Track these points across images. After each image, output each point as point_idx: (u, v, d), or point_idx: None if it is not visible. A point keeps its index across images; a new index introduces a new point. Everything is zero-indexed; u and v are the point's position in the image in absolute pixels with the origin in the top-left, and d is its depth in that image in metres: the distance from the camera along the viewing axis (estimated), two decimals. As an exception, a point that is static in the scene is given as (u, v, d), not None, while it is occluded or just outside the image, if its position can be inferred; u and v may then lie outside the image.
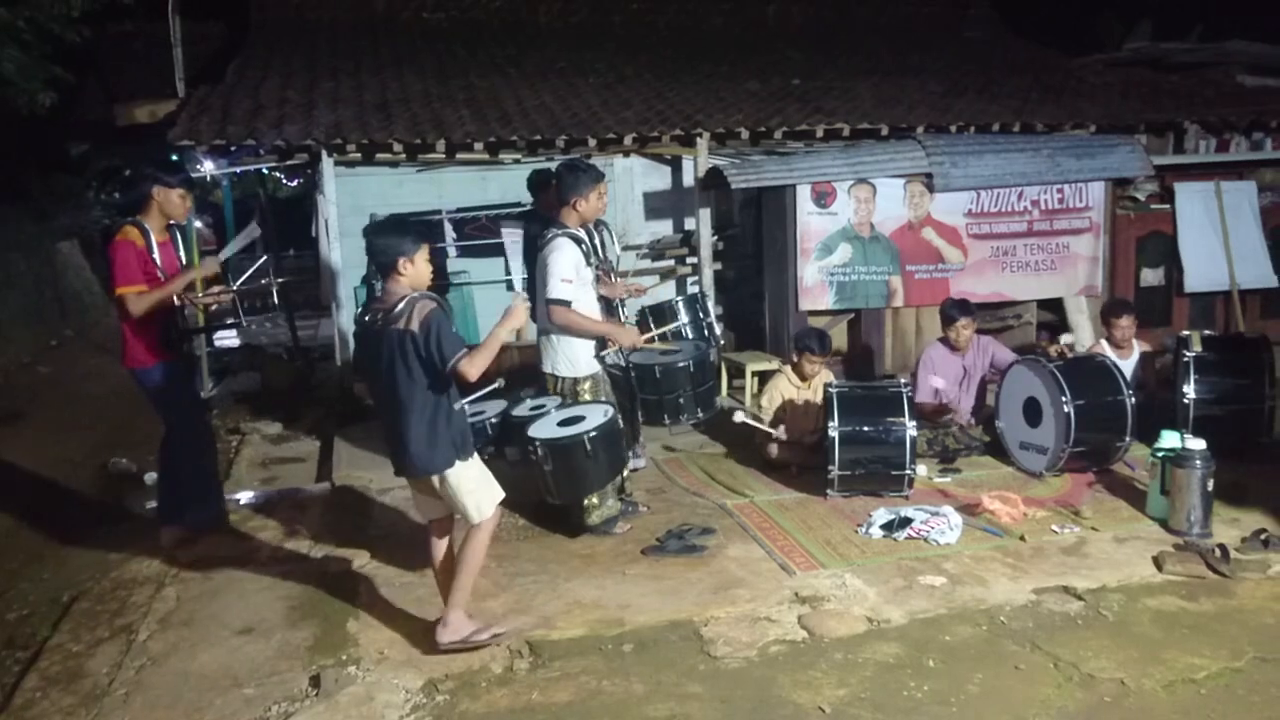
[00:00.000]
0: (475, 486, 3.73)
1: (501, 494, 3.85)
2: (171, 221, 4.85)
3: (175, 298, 4.73)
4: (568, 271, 4.69)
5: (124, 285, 4.57)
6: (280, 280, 5.41)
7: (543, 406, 4.79)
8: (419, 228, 3.78)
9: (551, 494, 4.54)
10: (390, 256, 3.58)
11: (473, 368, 3.55)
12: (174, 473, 4.93)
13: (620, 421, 4.51)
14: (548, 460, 4.37)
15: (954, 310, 6.32)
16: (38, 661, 3.91)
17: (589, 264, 4.84)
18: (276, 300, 5.51)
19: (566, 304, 4.69)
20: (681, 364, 5.07)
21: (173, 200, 4.75)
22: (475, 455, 3.80)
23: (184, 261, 4.96)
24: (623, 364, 5.12)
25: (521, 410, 4.84)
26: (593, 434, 4.33)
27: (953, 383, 6.36)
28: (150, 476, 5.84)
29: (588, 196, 4.78)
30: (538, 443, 4.36)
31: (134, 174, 5.41)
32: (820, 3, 12.65)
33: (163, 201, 4.73)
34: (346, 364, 8.02)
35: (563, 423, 4.48)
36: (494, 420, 4.94)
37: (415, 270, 3.61)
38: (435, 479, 3.69)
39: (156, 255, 4.69)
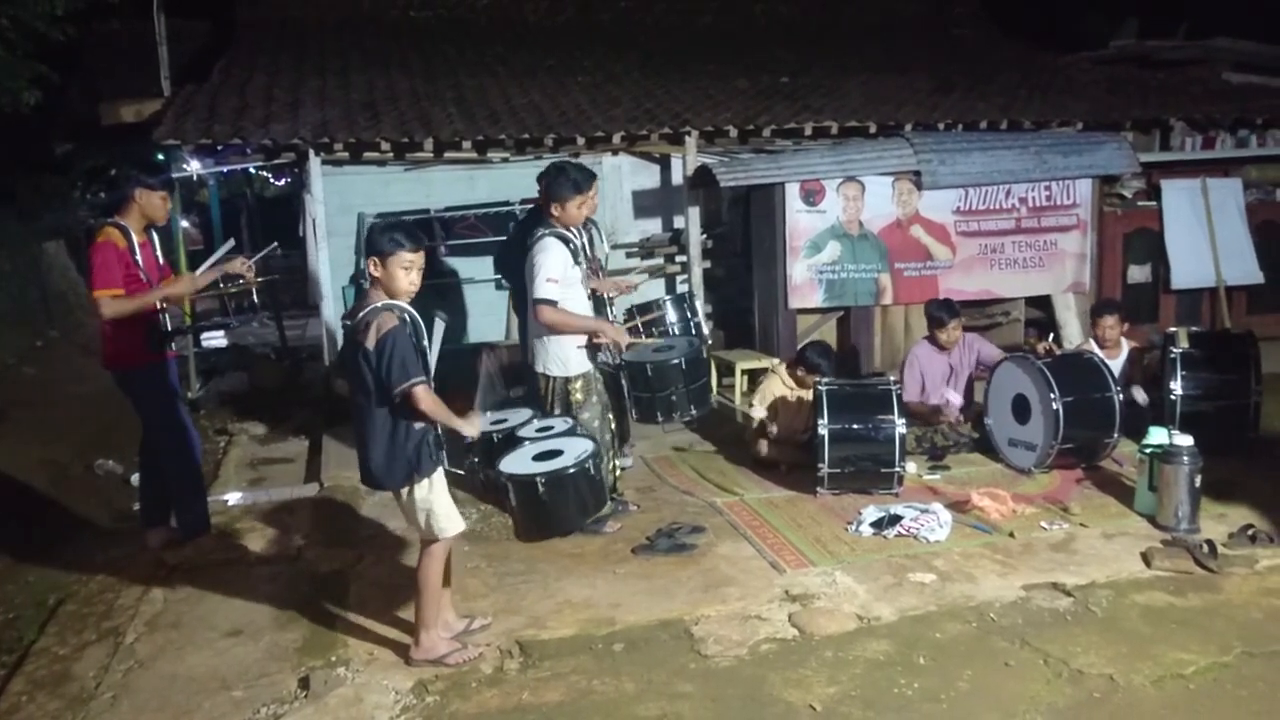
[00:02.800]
0: (430, 508, 3.61)
1: (460, 525, 3.72)
2: (150, 223, 4.81)
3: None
4: (554, 271, 4.70)
5: (101, 288, 4.56)
6: (261, 279, 5.34)
7: (551, 427, 4.51)
8: (407, 231, 3.53)
9: (517, 530, 4.24)
10: (364, 256, 3.47)
11: (426, 400, 3.41)
12: (158, 475, 4.90)
13: (593, 467, 4.06)
14: (511, 495, 4.00)
15: (942, 312, 6.32)
16: (24, 665, 3.88)
17: (576, 262, 4.84)
18: (257, 299, 5.42)
19: (552, 304, 4.69)
20: (674, 361, 5.02)
21: (154, 202, 4.73)
22: (438, 475, 3.64)
23: (161, 261, 4.91)
24: (613, 362, 5.10)
25: (528, 430, 4.52)
26: (546, 477, 3.91)
27: (940, 381, 6.37)
28: (137, 478, 5.81)
29: (566, 204, 4.78)
30: (504, 476, 4.02)
31: (118, 174, 5.35)
32: (808, 1, 12.66)
33: (144, 204, 4.71)
34: (334, 364, 8.00)
35: (538, 456, 4.12)
36: (500, 435, 4.57)
37: (385, 274, 3.44)
38: (395, 493, 3.64)
39: (138, 256, 4.67)
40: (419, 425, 3.53)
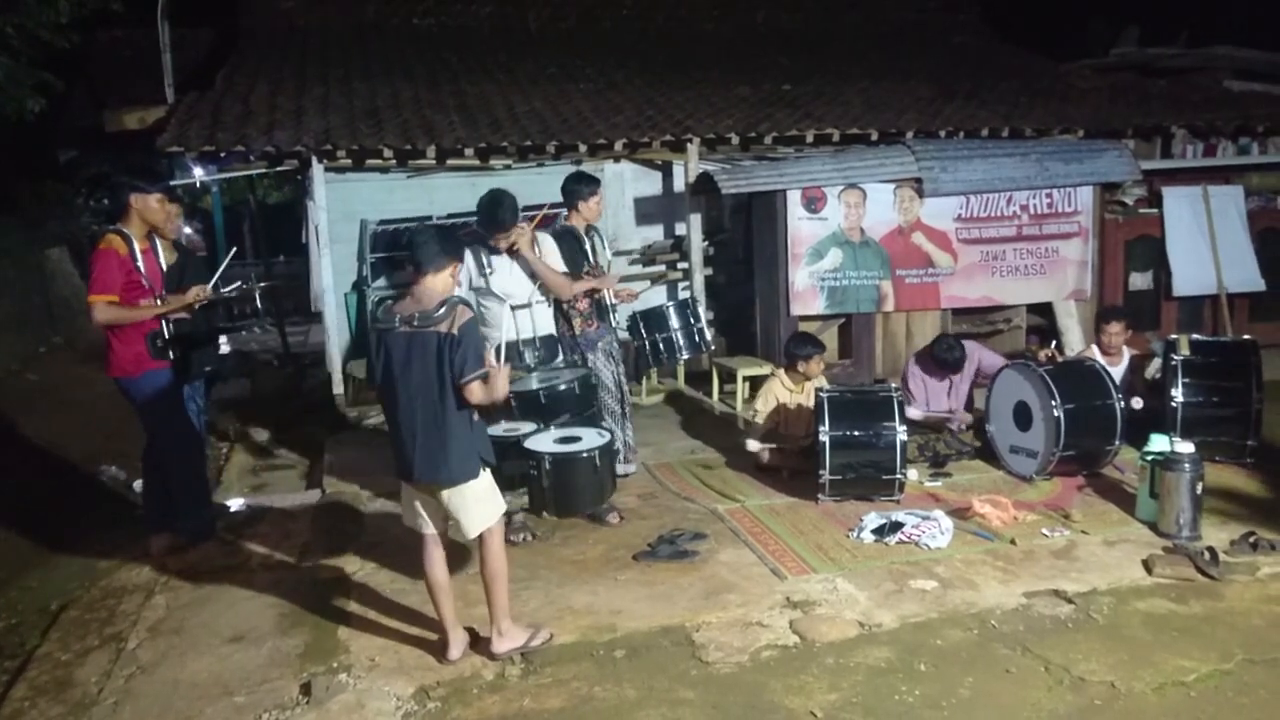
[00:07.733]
0: (486, 497, 3.70)
1: (504, 507, 3.84)
2: (152, 230, 4.81)
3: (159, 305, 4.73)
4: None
5: (96, 293, 4.59)
6: (263, 284, 5.36)
7: (516, 428, 4.70)
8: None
9: (549, 509, 4.61)
10: (450, 257, 3.63)
11: (478, 393, 3.50)
12: (161, 481, 4.91)
13: (615, 444, 4.66)
14: (548, 475, 4.40)
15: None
16: (26, 671, 3.89)
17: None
18: (261, 305, 5.43)
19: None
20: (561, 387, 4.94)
21: (150, 206, 4.72)
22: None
23: (164, 268, 4.91)
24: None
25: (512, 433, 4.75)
26: (594, 451, 4.43)
27: (940, 391, 6.37)
28: (140, 484, 5.82)
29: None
30: (545, 457, 4.39)
31: (113, 181, 5.36)
32: (809, 9, 12.69)
33: (141, 209, 4.71)
34: (337, 371, 8.01)
35: (559, 440, 4.54)
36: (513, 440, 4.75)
37: (457, 278, 3.74)
38: (451, 489, 3.62)
39: (140, 263, 4.67)
40: (477, 417, 3.66)
